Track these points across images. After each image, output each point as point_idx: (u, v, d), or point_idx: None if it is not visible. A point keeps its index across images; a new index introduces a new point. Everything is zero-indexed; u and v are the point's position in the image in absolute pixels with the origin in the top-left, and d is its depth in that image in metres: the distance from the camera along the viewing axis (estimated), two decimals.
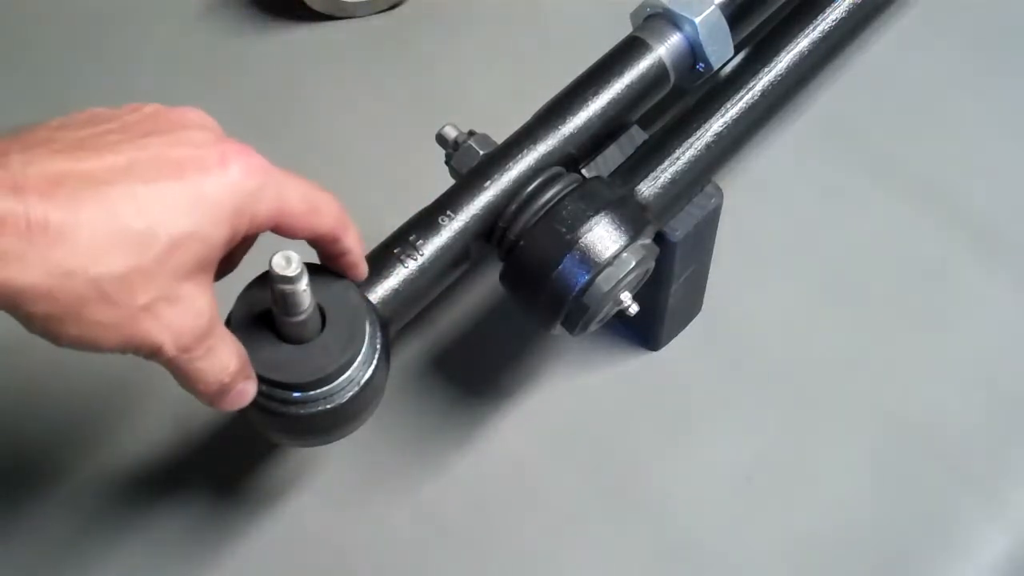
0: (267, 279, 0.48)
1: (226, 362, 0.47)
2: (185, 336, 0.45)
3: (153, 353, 0.45)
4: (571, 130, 0.59)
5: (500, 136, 0.60)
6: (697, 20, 0.61)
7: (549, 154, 0.58)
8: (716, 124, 0.62)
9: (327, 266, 0.52)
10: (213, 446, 0.66)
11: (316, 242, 0.50)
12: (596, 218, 0.54)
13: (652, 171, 0.59)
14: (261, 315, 0.50)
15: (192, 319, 0.45)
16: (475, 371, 0.69)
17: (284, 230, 0.48)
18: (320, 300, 0.50)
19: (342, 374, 0.50)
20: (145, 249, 0.42)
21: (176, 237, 0.43)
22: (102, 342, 0.43)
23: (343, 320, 0.51)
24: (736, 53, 0.64)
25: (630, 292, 0.57)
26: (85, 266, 0.41)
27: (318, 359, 0.50)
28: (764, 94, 0.64)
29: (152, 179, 0.42)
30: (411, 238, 0.55)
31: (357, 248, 0.51)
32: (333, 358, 0.50)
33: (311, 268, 0.49)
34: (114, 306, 0.42)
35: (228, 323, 0.50)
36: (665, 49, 0.61)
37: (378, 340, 0.51)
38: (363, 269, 0.52)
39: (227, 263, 0.51)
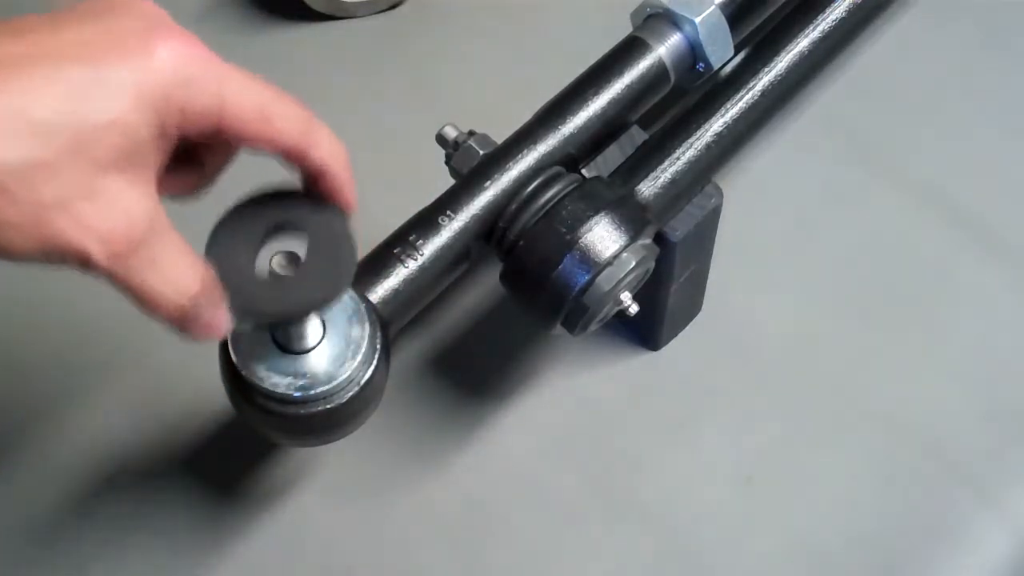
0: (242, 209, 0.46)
1: (182, 280, 0.42)
2: (116, 241, 0.39)
3: (82, 261, 0.40)
4: (571, 130, 0.59)
5: (500, 136, 0.60)
6: (697, 20, 0.61)
7: (549, 154, 0.58)
8: (716, 124, 0.62)
9: (311, 191, 0.47)
10: (213, 446, 0.66)
11: (283, 158, 0.45)
12: (596, 218, 0.54)
13: (652, 171, 0.59)
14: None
15: (121, 219, 0.40)
16: (475, 371, 0.69)
17: (231, 135, 0.42)
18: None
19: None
20: (48, 139, 0.38)
21: (86, 126, 0.38)
22: (14, 245, 0.39)
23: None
24: (736, 53, 0.64)
25: (630, 292, 0.57)
26: None
27: (303, 290, 0.45)
28: (764, 94, 0.64)
29: (61, 64, 0.38)
30: (411, 238, 0.55)
31: (337, 168, 0.46)
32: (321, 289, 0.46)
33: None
34: (15, 203, 0.38)
35: (222, 342, 0.50)
36: (665, 49, 0.61)
37: (378, 340, 0.52)
38: (347, 197, 0.46)
39: (197, 173, 0.47)
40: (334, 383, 0.50)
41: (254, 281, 0.45)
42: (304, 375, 0.50)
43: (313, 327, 0.50)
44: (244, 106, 0.42)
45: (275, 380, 0.50)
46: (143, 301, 0.42)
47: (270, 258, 0.46)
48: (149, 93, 0.40)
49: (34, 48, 0.39)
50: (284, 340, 0.50)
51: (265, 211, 0.46)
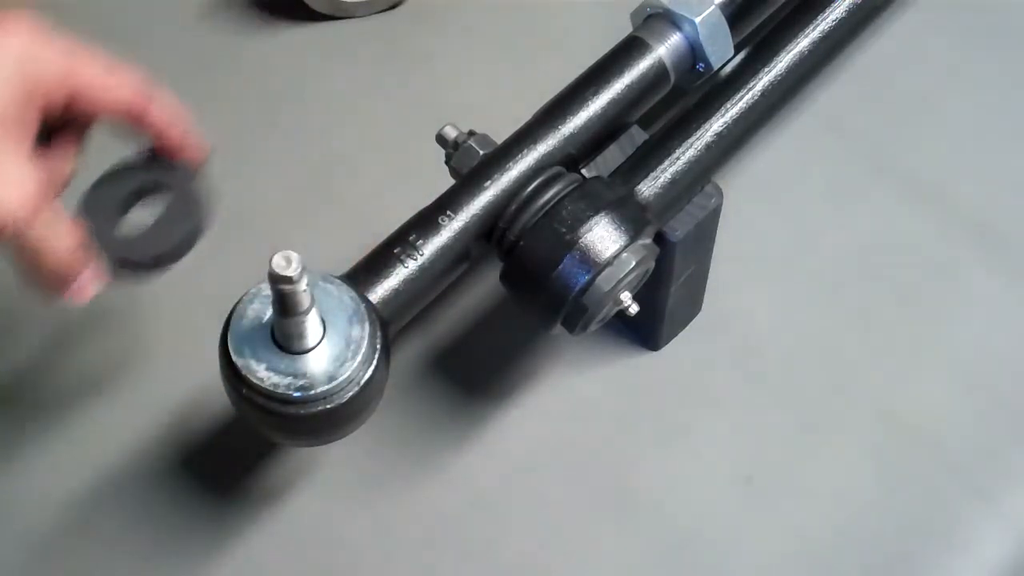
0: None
1: (67, 238, 0.47)
2: (18, 209, 0.44)
3: None
4: (571, 130, 0.59)
5: (500, 136, 0.60)
6: (697, 20, 0.61)
7: (549, 154, 0.58)
8: (716, 124, 0.62)
9: (164, 158, 0.53)
10: (213, 446, 0.66)
11: (128, 121, 0.50)
12: (596, 218, 0.54)
13: (652, 171, 0.59)
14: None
15: (17, 188, 0.44)
16: (475, 371, 0.69)
17: (82, 99, 0.47)
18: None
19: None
20: None
21: None
22: None
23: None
24: (736, 53, 0.64)
25: (630, 292, 0.57)
26: None
27: None
28: (764, 94, 0.64)
29: None
30: (411, 238, 0.55)
31: (177, 124, 0.51)
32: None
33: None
34: None
35: (224, 336, 0.51)
36: (665, 49, 0.61)
37: (378, 340, 0.52)
38: (191, 153, 0.52)
39: (58, 163, 0.51)
40: (334, 383, 0.50)
41: (120, 236, 0.52)
42: (304, 375, 0.50)
43: (313, 327, 0.50)
44: (89, 70, 0.47)
45: (275, 380, 0.50)
46: (39, 260, 0.46)
47: (270, 259, 0.46)
48: (12, 61, 0.44)
49: None
50: (284, 340, 0.50)
51: (126, 177, 0.54)
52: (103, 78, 0.48)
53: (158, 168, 0.55)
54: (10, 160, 0.45)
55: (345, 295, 0.52)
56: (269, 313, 0.50)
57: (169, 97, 0.51)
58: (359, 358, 0.50)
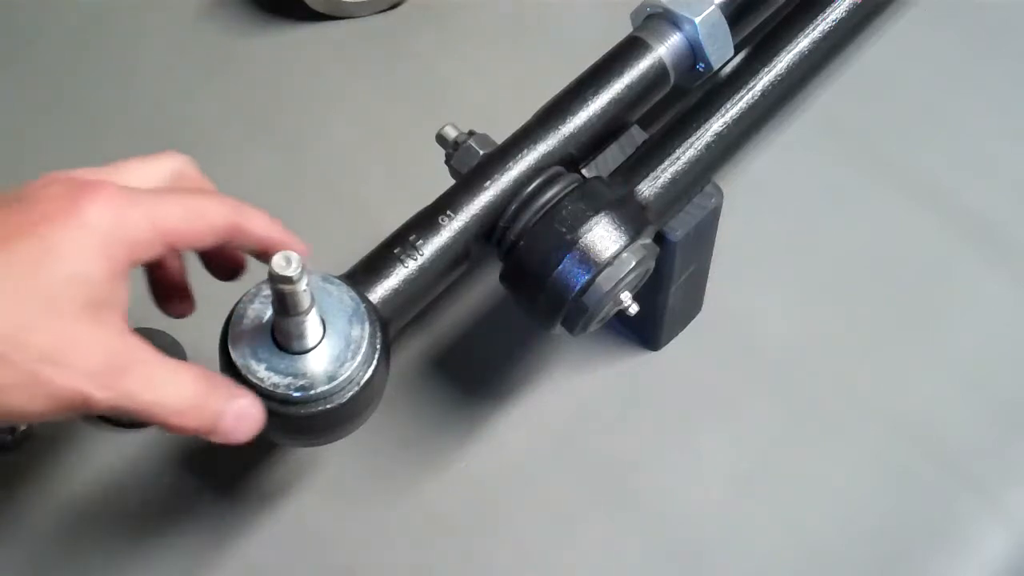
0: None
1: (181, 389, 0.47)
2: (104, 374, 0.45)
3: (85, 401, 0.45)
4: (571, 130, 0.59)
5: (500, 136, 0.60)
6: (697, 20, 0.61)
7: (549, 154, 0.58)
8: (716, 124, 0.62)
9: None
10: (213, 446, 0.66)
11: (230, 244, 0.51)
12: (596, 218, 0.54)
13: (652, 171, 0.59)
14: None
15: (102, 357, 0.45)
16: (475, 371, 0.69)
17: (180, 242, 0.48)
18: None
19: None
20: (18, 305, 0.43)
21: (47, 287, 0.44)
22: (25, 407, 0.44)
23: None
24: (736, 53, 0.64)
25: (630, 292, 0.57)
26: None
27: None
28: (764, 94, 0.64)
29: (8, 242, 0.44)
30: (411, 238, 0.55)
31: (272, 230, 0.52)
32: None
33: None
34: (12, 364, 0.43)
35: (224, 337, 0.51)
36: (665, 49, 0.61)
37: (378, 340, 0.52)
38: (293, 243, 0.52)
39: (223, 268, 0.54)
40: (334, 383, 0.50)
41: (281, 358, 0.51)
42: (304, 375, 0.50)
43: (313, 327, 0.50)
44: (177, 217, 0.48)
45: (275, 380, 0.50)
46: (162, 417, 0.47)
47: (270, 259, 0.47)
48: (93, 245, 0.45)
49: None
50: (284, 340, 0.50)
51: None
52: (191, 222, 0.48)
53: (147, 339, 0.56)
54: (95, 329, 0.45)
55: (345, 295, 0.52)
56: (269, 313, 0.50)
57: (254, 208, 0.51)
58: (359, 358, 0.50)
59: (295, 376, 0.50)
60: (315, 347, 0.50)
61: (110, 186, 0.46)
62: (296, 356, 0.50)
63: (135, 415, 0.46)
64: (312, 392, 0.50)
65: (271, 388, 0.50)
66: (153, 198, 0.48)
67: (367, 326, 0.51)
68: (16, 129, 0.79)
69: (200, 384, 0.48)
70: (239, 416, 0.48)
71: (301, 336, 0.50)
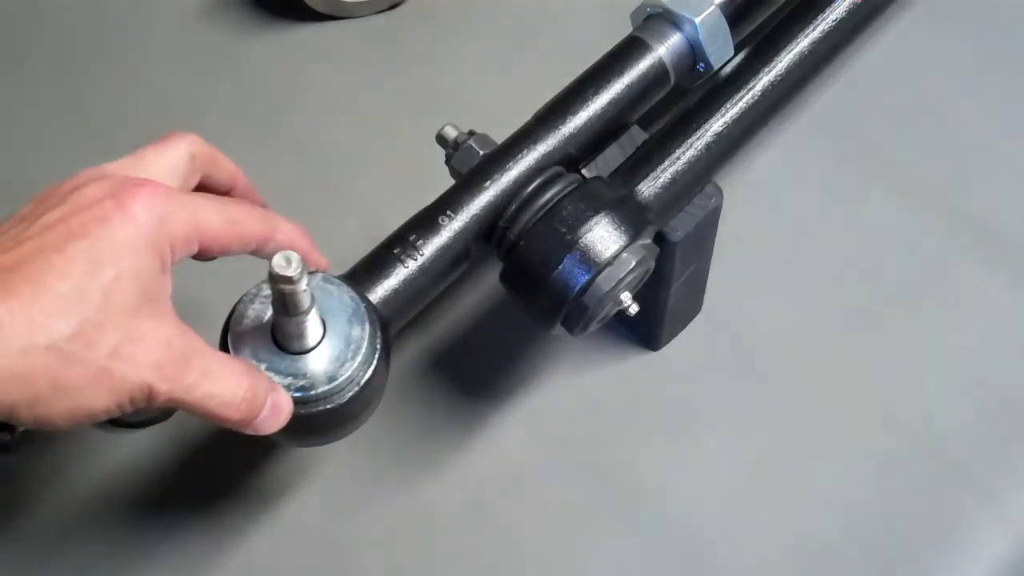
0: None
1: (233, 379, 0.48)
2: (166, 366, 0.46)
3: (148, 394, 0.46)
4: (571, 130, 0.59)
5: (500, 136, 0.60)
6: (697, 20, 0.61)
7: (549, 154, 0.58)
8: (716, 124, 0.62)
9: None
10: (213, 446, 0.66)
11: (256, 251, 0.52)
12: (596, 218, 0.54)
13: (652, 171, 0.59)
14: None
15: (164, 349, 0.46)
16: (475, 371, 0.69)
17: (214, 246, 0.49)
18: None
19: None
20: (82, 304, 0.44)
21: (108, 284, 0.45)
22: (94, 404, 0.45)
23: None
24: (736, 53, 0.64)
25: (630, 292, 0.57)
26: (35, 338, 0.43)
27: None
28: (764, 94, 0.64)
29: (62, 246, 0.45)
30: (411, 238, 0.55)
31: (300, 241, 0.53)
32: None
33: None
34: (82, 363, 0.44)
35: (224, 337, 0.51)
36: (665, 49, 0.61)
37: (378, 340, 0.52)
38: (316, 260, 0.54)
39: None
40: (334, 383, 0.50)
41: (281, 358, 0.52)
42: (304, 375, 0.50)
43: (313, 327, 0.50)
44: (213, 220, 0.49)
45: (275, 380, 0.50)
46: (213, 411, 0.48)
47: (270, 259, 0.47)
48: (142, 241, 0.46)
49: (34, 245, 0.45)
50: (284, 341, 0.50)
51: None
52: (228, 228, 0.50)
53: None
54: (153, 323, 0.46)
55: (345, 295, 0.52)
56: (269, 313, 0.50)
57: (284, 219, 0.53)
58: (359, 358, 0.50)
59: (295, 376, 0.50)
60: (315, 347, 0.50)
61: (151, 183, 0.48)
62: (296, 356, 0.50)
63: (187, 407, 0.47)
64: (312, 392, 0.50)
65: None
66: (194, 200, 0.49)
67: (367, 326, 0.51)
68: (16, 129, 0.79)
69: (250, 377, 0.48)
70: (275, 408, 0.49)
71: (301, 336, 0.50)
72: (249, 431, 0.49)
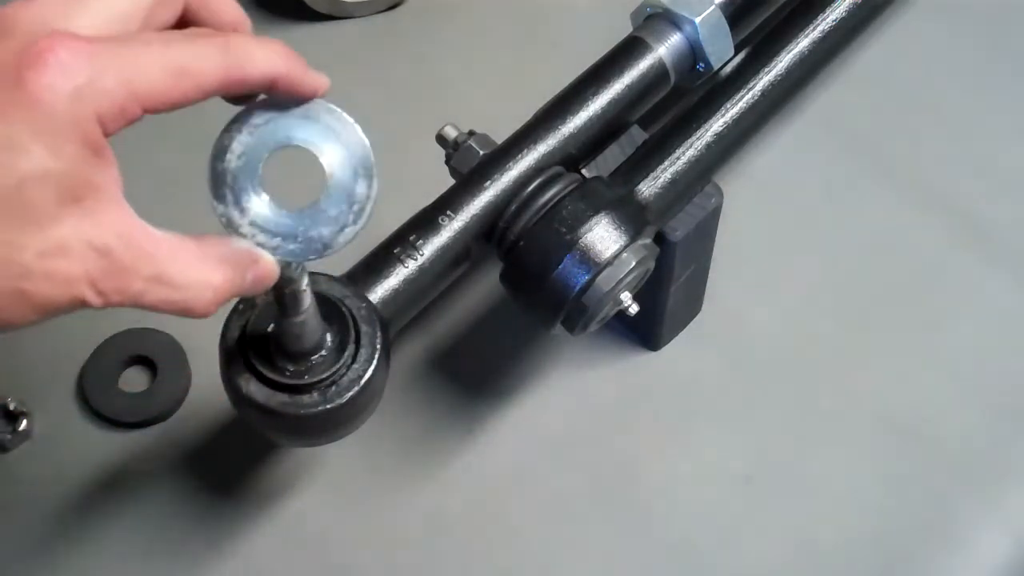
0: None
1: (201, 280, 0.41)
2: (101, 279, 0.38)
3: (84, 306, 0.39)
4: (571, 130, 0.59)
5: (500, 136, 0.60)
6: (697, 20, 0.61)
7: (549, 154, 0.58)
8: (716, 124, 0.62)
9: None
10: (213, 446, 0.66)
11: (228, 95, 0.43)
12: (596, 218, 0.54)
13: (652, 171, 0.59)
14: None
15: (96, 258, 0.38)
16: (475, 371, 0.69)
17: (165, 107, 0.40)
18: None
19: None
20: None
21: (9, 193, 0.37)
22: (20, 320, 0.38)
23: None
24: (736, 53, 0.64)
25: (630, 292, 0.57)
26: None
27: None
28: (764, 94, 0.64)
29: None
30: (411, 238, 0.55)
31: (281, 65, 0.44)
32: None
33: None
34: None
35: (222, 343, 0.50)
36: (665, 49, 0.61)
37: (378, 340, 0.51)
38: (309, 81, 0.46)
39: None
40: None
41: (116, 400, 0.63)
42: (295, 238, 0.46)
43: (313, 327, 0.50)
44: (155, 77, 0.39)
45: (261, 239, 0.44)
46: (172, 311, 0.41)
47: None
48: (52, 127, 0.37)
49: None
50: (285, 340, 0.50)
51: (119, 346, 0.63)
52: (175, 81, 0.40)
53: (146, 339, 0.66)
54: (84, 225, 0.38)
55: (353, 136, 0.49)
56: (261, 150, 0.47)
57: (256, 42, 0.43)
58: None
59: (284, 237, 0.45)
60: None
61: (64, 41, 0.38)
62: (290, 212, 0.46)
63: (155, 310, 0.41)
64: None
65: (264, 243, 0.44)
66: (123, 54, 0.39)
67: (367, 326, 0.51)
68: None
69: (220, 270, 0.41)
70: (256, 282, 0.43)
71: (301, 336, 0.49)
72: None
